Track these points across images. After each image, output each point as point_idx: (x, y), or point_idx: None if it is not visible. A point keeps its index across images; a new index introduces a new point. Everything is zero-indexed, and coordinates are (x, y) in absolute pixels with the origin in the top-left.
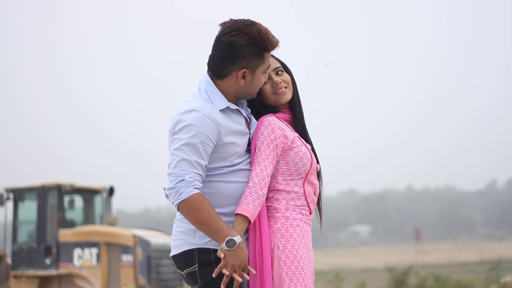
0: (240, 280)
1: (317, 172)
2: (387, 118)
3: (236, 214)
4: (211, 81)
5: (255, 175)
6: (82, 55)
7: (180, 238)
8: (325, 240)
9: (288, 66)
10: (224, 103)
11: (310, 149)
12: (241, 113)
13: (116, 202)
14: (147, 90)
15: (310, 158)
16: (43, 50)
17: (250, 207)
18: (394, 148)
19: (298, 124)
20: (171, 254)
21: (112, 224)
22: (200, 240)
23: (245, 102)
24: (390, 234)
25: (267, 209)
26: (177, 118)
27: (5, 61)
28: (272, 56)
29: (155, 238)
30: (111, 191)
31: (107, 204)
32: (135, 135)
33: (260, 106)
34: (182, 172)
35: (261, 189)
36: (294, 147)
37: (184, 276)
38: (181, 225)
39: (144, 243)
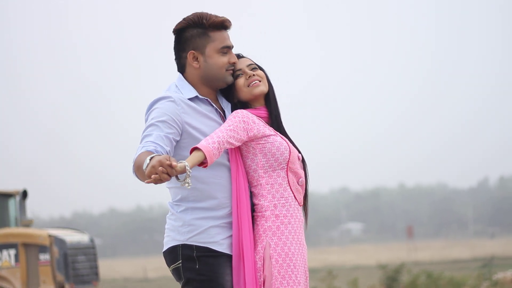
0: (159, 178)
1: (302, 161)
2: (379, 115)
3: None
4: (182, 77)
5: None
6: (90, 51)
7: (168, 235)
8: (317, 237)
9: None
10: (192, 92)
11: (286, 140)
12: (212, 105)
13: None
14: (142, 88)
15: (288, 147)
16: (49, 47)
17: (203, 142)
18: (386, 145)
19: (273, 122)
20: (162, 251)
21: (28, 225)
22: (183, 236)
23: (227, 103)
24: (382, 232)
25: (255, 208)
26: (147, 108)
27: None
28: (244, 56)
29: (70, 236)
30: (24, 194)
31: (22, 207)
32: (126, 131)
33: (238, 105)
34: (138, 147)
35: (216, 133)
36: (269, 137)
37: (171, 272)
38: (168, 222)
39: (59, 241)
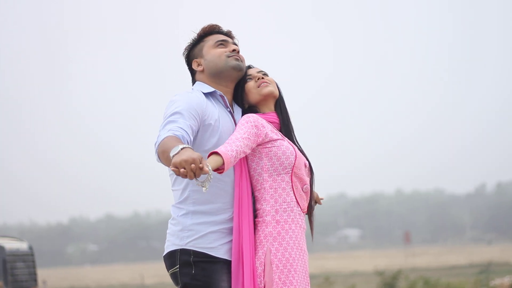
0: (185, 174)
1: (310, 170)
2: (378, 124)
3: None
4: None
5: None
6: (80, 62)
7: (168, 239)
8: (314, 243)
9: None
10: (208, 88)
11: (294, 145)
12: (226, 104)
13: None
14: (137, 94)
15: (294, 152)
16: (40, 58)
17: (222, 148)
18: (384, 153)
19: (284, 126)
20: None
21: None
22: (182, 241)
23: (238, 109)
24: (380, 238)
25: (257, 213)
26: (169, 102)
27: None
28: (253, 67)
29: (9, 243)
30: None
31: None
32: (124, 139)
33: (247, 111)
34: (163, 130)
35: (234, 142)
36: (276, 142)
37: (170, 276)
38: (170, 227)
39: None
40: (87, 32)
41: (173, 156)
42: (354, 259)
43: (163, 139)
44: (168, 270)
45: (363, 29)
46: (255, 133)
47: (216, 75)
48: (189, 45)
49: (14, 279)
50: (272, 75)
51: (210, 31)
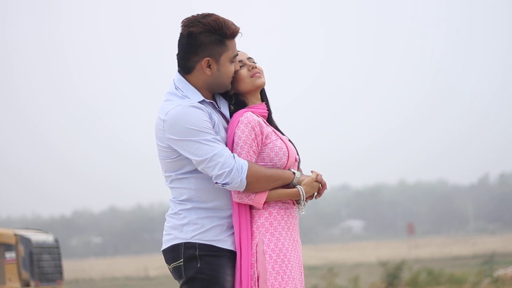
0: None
1: (299, 161)
2: (380, 113)
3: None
4: (183, 78)
5: None
6: (82, 55)
7: (169, 233)
8: (318, 235)
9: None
10: (199, 96)
11: (286, 142)
12: (215, 108)
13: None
14: (141, 87)
15: (287, 152)
16: (43, 50)
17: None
18: (387, 143)
19: (271, 119)
20: (161, 249)
21: None
22: (186, 235)
23: (222, 99)
24: (383, 229)
25: (250, 205)
26: (171, 120)
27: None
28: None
29: (35, 236)
30: None
31: None
32: (127, 132)
33: (233, 97)
34: (222, 157)
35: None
36: (269, 143)
37: (171, 270)
38: (170, 220)
39: (25, 240)
40: (95, 21)
41: (298, 184)
42: (358, 250)
43: (249, 165)
44: (169, 264)
45: (353, 24)
46: (254, 151)
47: (213, 87)
48: (208, 30)
49: (40, 271)
50: (264, 67)
51: (234, 35)
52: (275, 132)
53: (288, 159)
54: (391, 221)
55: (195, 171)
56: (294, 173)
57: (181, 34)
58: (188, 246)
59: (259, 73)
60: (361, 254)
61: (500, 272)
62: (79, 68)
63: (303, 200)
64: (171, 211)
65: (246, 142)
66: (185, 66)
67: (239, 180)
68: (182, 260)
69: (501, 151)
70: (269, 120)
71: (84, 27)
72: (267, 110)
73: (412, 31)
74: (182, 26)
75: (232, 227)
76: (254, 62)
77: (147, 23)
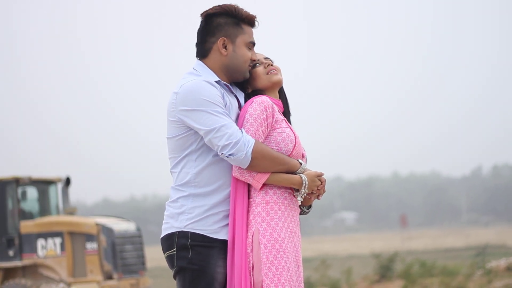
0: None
1: (305, 160)
2: (373, 104)
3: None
4: (201, 62)
5: None
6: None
7: (166, 221)
8: (311, 227)
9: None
10: (215, 77)
11: (295, 133)
12: (232, 92)
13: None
14: (140, 81)
15: (294, 140)
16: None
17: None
18: (380, 134)
19: (287, 115)
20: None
21: (71, 213)
22: (181, 224)
23: (240, 92)
24: (376, 221)
25: (248, 192)
26: (184, 92)
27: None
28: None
29: (117, 225)
30: (67, 181)
31: (65, 195)
32: (120, 123)
33: (251, 95)
34: (230, 129)
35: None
36: (278, 128)
37: (166, 258)
38: (168, 209)
39: (107, 230)
40: (103, 11)
41: (302, 175)
42: (351, 242)
43: (261, 147)
44: (164, 252)
45: (341, 15)
46: (263, 131)
47: (230, 71)
48: (224, 12)
49: (123, 262)
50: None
51: (252, 21)
52: (286, 122)
53: (294, 148)
54: (384, 213)
55: (200, 149)
56: (300, 163)
57: (200, 21)
58: (181, 235)
59: (275, 70)
60: (354, 246)
61: (493, 264)
62: (83, 61)
63: (304, 188)
64: (171, 199)
65: (257, 120)
66: (203, 50)
67: (244, 153)
68: (175, 249)
69: (494, 143)
70: (285, 114)
71: (96, 18)
72: (283, 108)
73: (404, 20)
74: (201, 14)
75: (227, 217)
76: (271, 62)
77: (160, 16)
